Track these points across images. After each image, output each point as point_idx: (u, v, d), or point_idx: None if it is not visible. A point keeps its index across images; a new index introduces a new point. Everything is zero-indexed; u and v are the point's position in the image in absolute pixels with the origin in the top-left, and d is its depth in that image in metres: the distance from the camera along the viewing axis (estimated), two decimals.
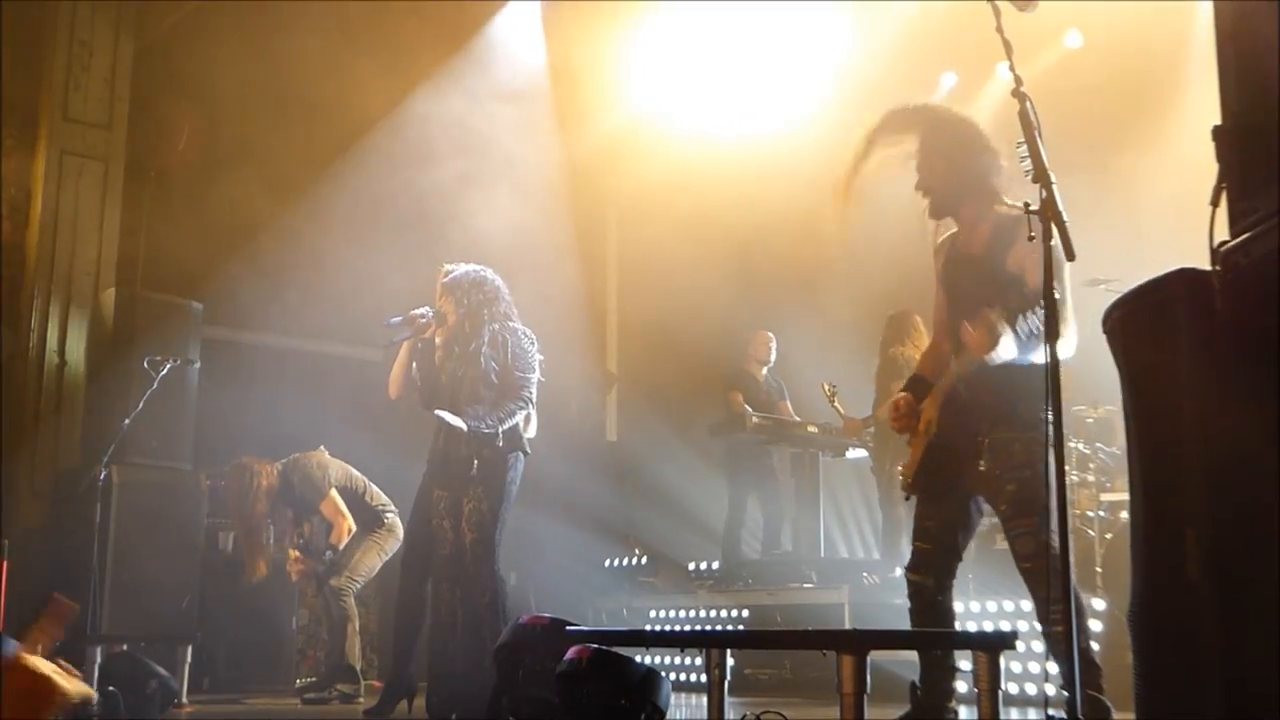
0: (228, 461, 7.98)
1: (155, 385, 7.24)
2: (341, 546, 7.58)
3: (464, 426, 5.78)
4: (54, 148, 9.18)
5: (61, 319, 8.99)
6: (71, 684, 2.03)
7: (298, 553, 7.76)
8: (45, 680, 1.99)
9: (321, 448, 7.86)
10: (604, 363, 12.12)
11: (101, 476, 7.17)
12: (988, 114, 9.12)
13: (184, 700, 7.18)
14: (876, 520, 8.48)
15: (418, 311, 6.16)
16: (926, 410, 4.27)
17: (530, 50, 9.87)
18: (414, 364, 6.24)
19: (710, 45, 9.15)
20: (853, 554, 10.61)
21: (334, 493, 7.63)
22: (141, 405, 7.18)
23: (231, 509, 7.84)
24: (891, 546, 8.28)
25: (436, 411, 5.91)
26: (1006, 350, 3.90)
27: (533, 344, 6.04)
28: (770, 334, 9.45)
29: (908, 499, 4.38)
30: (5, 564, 7.44)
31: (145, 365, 7.37)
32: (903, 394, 4.39)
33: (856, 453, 9.24)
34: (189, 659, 7.52)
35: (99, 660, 6.93)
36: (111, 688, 5.89)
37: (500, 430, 5.83)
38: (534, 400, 5.98)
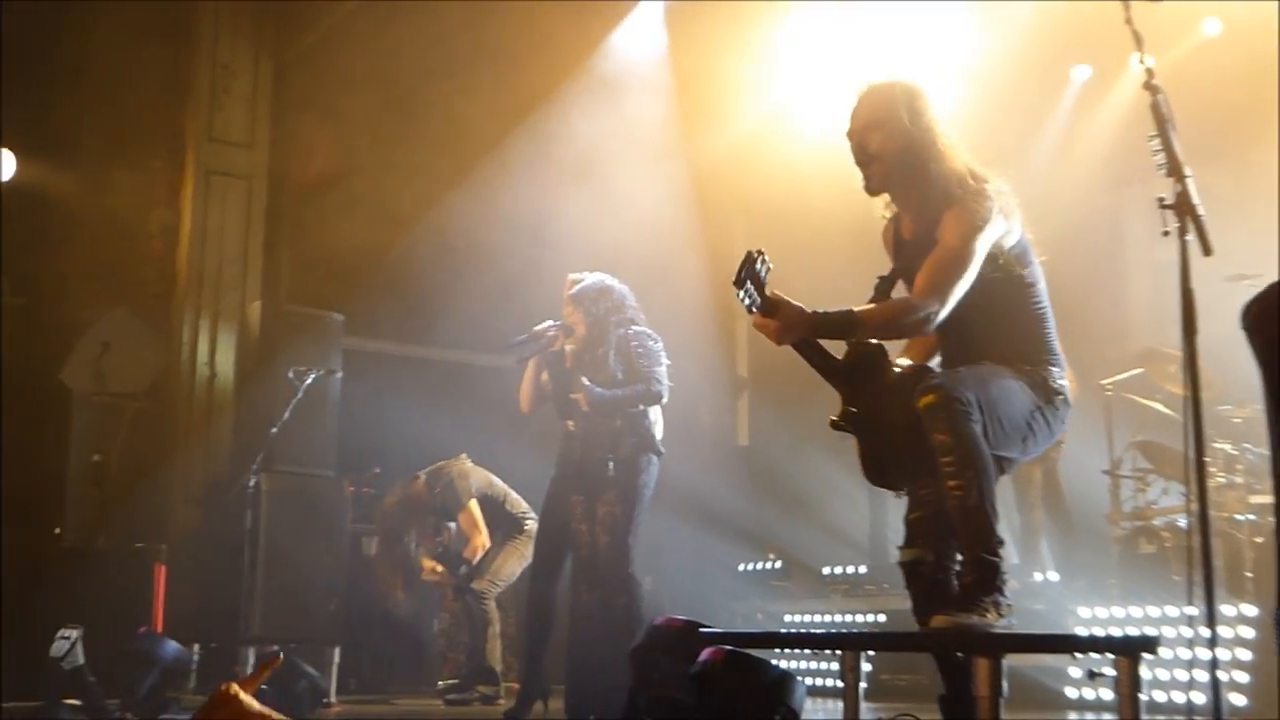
0: (369, 469, 8.16)
1: (300, 395, 7.42)
2: (475, 561, 7.67)
3: (604, 395, 5.85)
4: (200, 168, 9.53)
5: (211, 332, 9.32)
6: None
7: (433, 563, 7.88)
8: (252, 716, 2.05)
9: (464, 455, 7.96)
10: (734, 367, 12.14)
11: (251, 484, 7.39)
12: (1122, 106, 8.99)
13: (332, 700, 7.38)
14: (1014, 523, 8.34)
15: (542, 326, 6.24)
16: None
17: (654, 53, 9.92)
18: (544, 375, 6.34)
19: (838, 45, 9.09)
20: None
21: (473, 505, 7.70)
22: (287, 415, 7.37)
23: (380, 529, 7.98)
24: (1029, 550, 8.15)
25: (582, 379, 5.99)
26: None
27: (657, 344, 6.09)
28: None
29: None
30: (164, 569, 7.76)
31: (290, 376, 7.56)
32: None
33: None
34: (337, 660, 7.74)
35: (251, 660, 7.16)
36: (263, 686, 6.08)
37: (634, 423, 5.90)
38: (664, 394, 6.00)
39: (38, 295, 10.23)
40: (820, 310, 3.62)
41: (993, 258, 3.73)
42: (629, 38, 9.98)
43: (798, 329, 3.61)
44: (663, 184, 9.74)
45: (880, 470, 3.85)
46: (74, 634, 5.72)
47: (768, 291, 3.57)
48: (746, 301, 3.55)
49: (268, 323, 8.31)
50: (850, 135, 3.93)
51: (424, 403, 9.32)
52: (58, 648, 5.67)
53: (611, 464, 5.88)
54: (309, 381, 7.47)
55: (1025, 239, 3.84)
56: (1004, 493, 9.38)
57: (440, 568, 7.80)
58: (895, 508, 9.46)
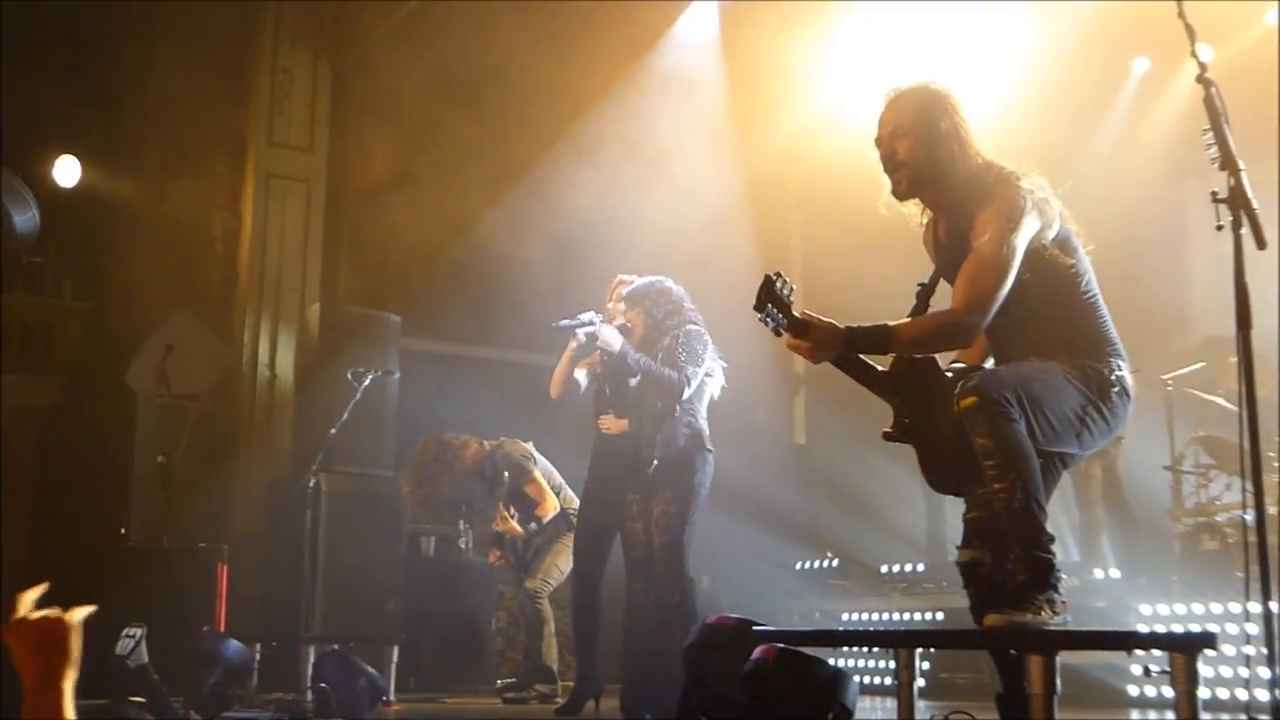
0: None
1: (358, 396, 7.46)
2: (546, 520, 7.59)
3: (640, 357, 5.92)
4: (261, 172, 9.67)
5: (271, 334, 9.46)
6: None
7: (508, 517, 7.72)
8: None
9: (531, 443, 7.93)
10: (790, 365, 12.11)
11: (311, 484, 7.44)
12: (1183, 98, 8.87)
13: (392, 698, 7.45)
14: (1074, 520, 8.27)
15: (586, 316, 6.30)
16: None
17: (709, 49, 9.93)
18: (588, 372, 6.49)
19: (893, 41, 9.05)
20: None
21: (538, 473, 7.66)
22: (346, 415, 7.41)
23: (413, 478, 7.78)
24: (1090, 547, 8.07)
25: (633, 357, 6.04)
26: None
27: (705, 346, 6.08)
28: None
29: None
30: (226, 568, 7.88)
31: (349, 377, 7.62)
32: None
33: None
34: (395, 659, 7.81)
35: (311, 659, 7.24)
36: (323, 684, 6.16)
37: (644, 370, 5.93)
38: (684, 389, 5.96)
39: (103, 299, 10.45)
40: (854, 326, 3.58)
41: (1035, 253, 3.67)
42: (684, 34, 10.00)
43: (831, 347, 3.57)
44: (718, 180, 9.75)
45: (940, 476, 3.81)
46: (138, 632, 5.83)
47: (796, 311, 3.53)
48: (770, 325, 3.52)
49: (326, 324, 8.39)
50: (878, 142, 3.89)
51: (481, 402, 9.37)
52: (123, 646, 5.77)
53: (657, 462, 5.90)
54: (367, 382, 7.50)
55: (1067, 230, 3.78)
56: (1064, 489, 9.33)
57: (509, 519, 7.69)
58: (953, 505, 9.39)
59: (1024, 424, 3.50)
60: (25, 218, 9.67)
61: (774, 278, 3.49)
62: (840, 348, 3.58)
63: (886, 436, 3.78)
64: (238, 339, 9.46)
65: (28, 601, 2.18)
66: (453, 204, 9.96)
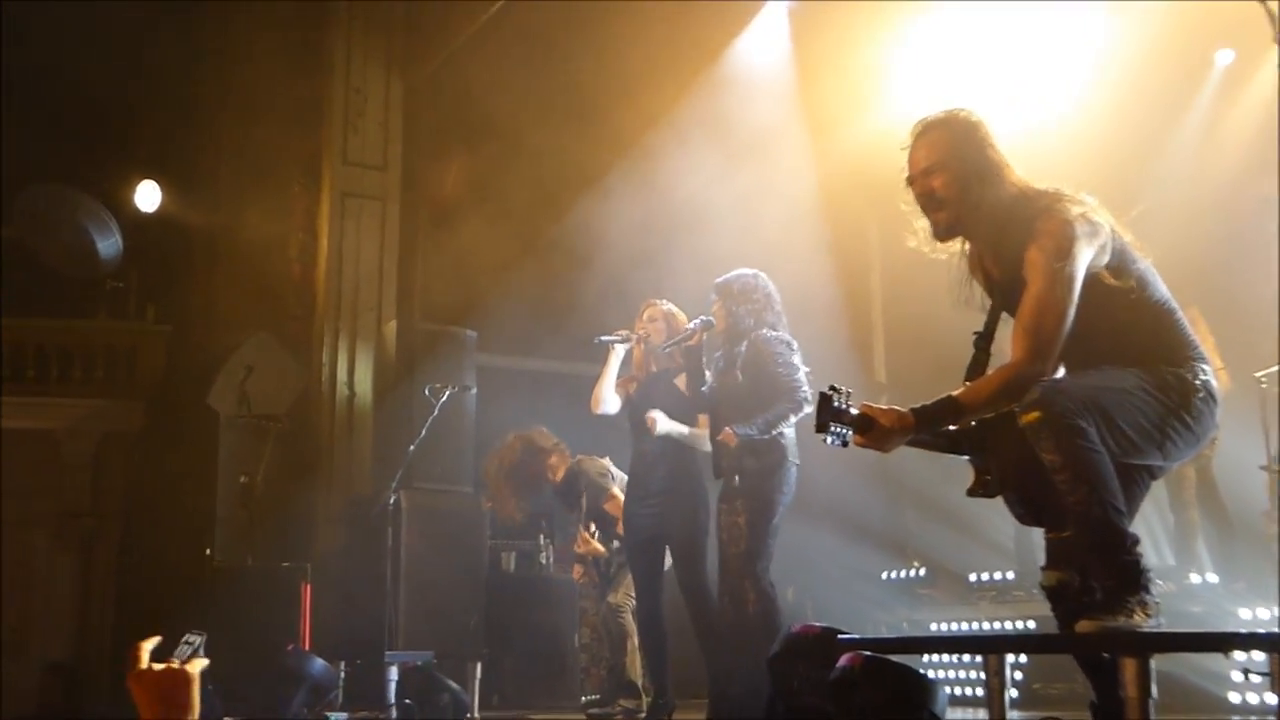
0: None
1: (436, 412, 7.51)
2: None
3: (749, 433, 5.87)
4: (336, 191, 9.82)
5: (349, 352, 9.58)
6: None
7: (589, 538, 7.77)
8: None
9: (608, 458, 7.96)
10: (873, 372, 12.03)
11: (391, 501, 7.50)
12: (1270, 89, 8.69)
13: (475, 715, 7.49)
14: (1167, 523, 8.12)
15: (692, 325, 6.32)
16: None
17: (779, 55, 9.91)
18: (620, 393, 6.61)
19: (966, 42, 8.98)
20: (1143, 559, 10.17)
21: (617, 490, 7.69)
22: (424, 432, 7.47)
23: (494, 477, 7.75)
24: (1184, 551, 7.92)
25: (655, 416, 6.18)
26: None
27: (795, 352, 6.07)
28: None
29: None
30: (309, 587, 7.98)
31: (426, 393, 7.68)
32: None
33: None
34: (479, 675, 7.85)
35: (395, 676, 7.30)
36: (408, 701, 6.21)
37: (769, 435, 5.90)
38: (808, 401, 5.96)
39: (184, 322, 10.65)
40: (919, 408, 3.53)
41: (1093, 278, 3.56)
42: (755, 39, 9.98)
43: (900, 435, 3.54)
44: (790, 188, 9.71)
45: (1031, 512, 3.74)
46: (197, 640, 5.90)
47: (855, 410, 3.52)
48: (836, 442, 3.51)
49: (403, 341, 8.51)
50: (910, 182, 3.77)
51: (558, 417, 9.41)
52: (180, 651, 5.86)
53: (738, 476, 5.90)
54: (444, 398, 7.56)
55: (1120, 242, 3.67)
56: (1157, 492, 9.16)
57: (591, 540, 7.72)
58: None
59: (1095, 432, 3.42)
60: (109, 243, 9.93)
61: (830, 394, 3.47)
62: (910, 435, 3.55)
63: (971, 494, 3.73)
64: (316, 358, 9.60)
65: (146, 651, 2.29)
66: (526, 217, 10.03)
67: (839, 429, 3.50)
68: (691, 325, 6.29)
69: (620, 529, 7.56)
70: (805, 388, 5.93)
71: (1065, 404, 3.42)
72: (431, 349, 8.47)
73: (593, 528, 7.75)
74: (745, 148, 9.42)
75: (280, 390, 9.46)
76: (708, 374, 6.19)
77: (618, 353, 6.59)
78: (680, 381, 6.48)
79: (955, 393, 3.55)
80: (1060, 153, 3.86)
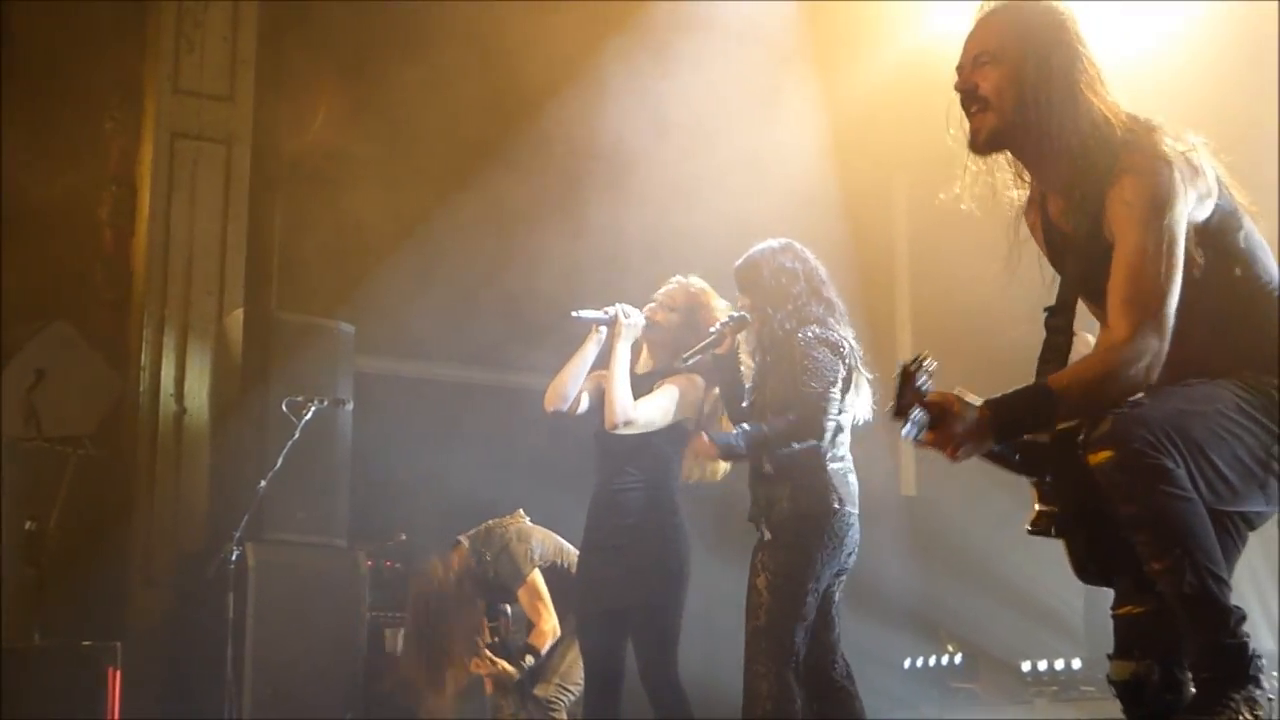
0: (392, 535, 8.17)
1: (297, 435, 7.47)
2: (544, 651, 7.64)
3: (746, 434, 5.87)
4: (163, 129, 9.68)
5: (179, 352, 9.46)
6: None
7: (487, 655, 7.85)
8: None
9: (520, 512, 7.95)
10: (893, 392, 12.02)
11: (234, 557, 7.43)
12: None
13: None
14: (1266, 595, 8.19)
15: (717, 326, 6.27)
16: None
17: None
18: (592, 391, 6.59)
19: None
20: None
21: (537, 575, 7.68)
22: (281, 462, 7.42)
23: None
24: None
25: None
26: None
27: (837, 354, 5.97)
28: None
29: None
30: (118, 674, 7.85)
31: (284, 409, 7.62)
32: None
33: None
34: None
35: None
36: None
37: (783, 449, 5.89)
38: (824, 429, 5.89)
39: None
40: (996, 399, 3.46)
41: (1186, 240, 3.53)
42: None
43: (976, 436, 3.43)
44: (796, 144, 9.69)
45: (1099, 570, 3.73)
46: None
47: (930, 397, 3.41)
48: (912, 433, 3.39)
49: (253, 337, 8.41)
50: (959, 70, 3.81)
51: (465, 442, 9.35)
52: None
53: (766, 531, 5.87)
54: (309, 416, 7.52)
55: (1229, 201, 3.66)
56: (1252, 555, 9.22)
57: (497, 661, 7.75)
58: None
59: (1184, 474, 3.39)
60: None
61: (912, 367, 3.37)
62: (988, 436, 3.44)
63: (1031, 531, 3.66)
64: (134, 359, 9.47)
65: None
66: (425, 175, 9.93)
67: (920, 418, 3.39)
68: (717, 326, 6.24)
69: (536, 638, 7.56)
70: (828, 409, 5.85)
71: (1145, 437, 3.39)
72: (293, 348, 8.40)
73: (501, 625, 7.77)
74: (724, 106, 9.39)
75: (83, 403, 9.33)
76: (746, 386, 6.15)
77: (597, 337, 6.56)
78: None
79: (1046, 380, 3.51)
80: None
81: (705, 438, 5.88)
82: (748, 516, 6.03)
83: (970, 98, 3.76)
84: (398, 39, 10.03)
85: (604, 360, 6.56)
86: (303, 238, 10.19)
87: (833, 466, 5.92)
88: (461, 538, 7.87)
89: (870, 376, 6.09)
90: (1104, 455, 3.41)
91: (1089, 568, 3.72)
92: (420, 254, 9.98)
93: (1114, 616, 3.75)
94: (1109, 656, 3.76)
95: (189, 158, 9.70)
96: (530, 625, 7.72)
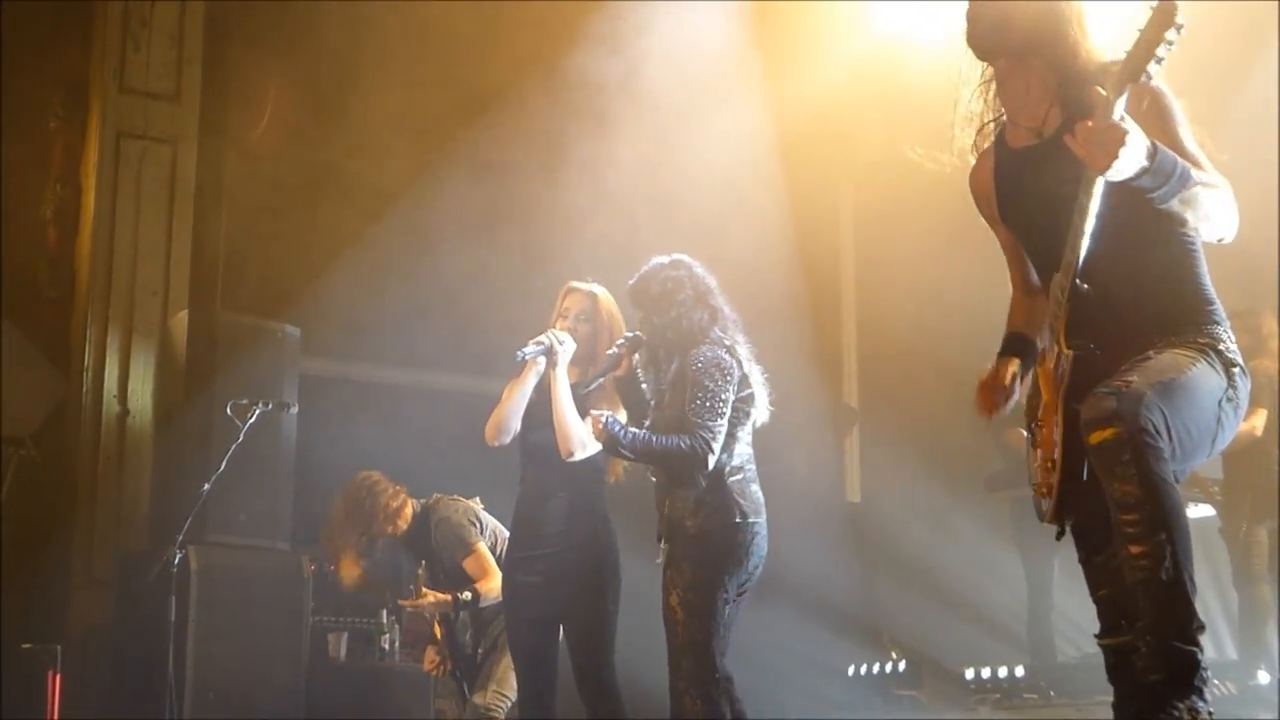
0: None
1: (241, 438, 7.45)
2: (488, 597, 7.51)
3: (639, 435, 5.88)
4: (108, 128, 9.63)
5: (122, 353, 9.40)
6: None
7: (427, 590, 7.68)
8: None
9: (478, 499, 7.89)
10: (840, 394, 12.06)
11: (176, 560, 7.41)
12: None
13: None
14: (1230, 603, 8.24)
15: (544, 340, 6.31)
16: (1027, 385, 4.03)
17: None
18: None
19: None
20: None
21: (483, 547, 7.63)
22: (225, 465, 7.40)
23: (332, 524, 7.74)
24: (1253, 641, 8.05)
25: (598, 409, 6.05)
26: None
27: (729, 374, 5.96)
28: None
29: (1060, 536, 3.92)
30: (58, 678, 7.80)
31: (229, 412, 7.60)
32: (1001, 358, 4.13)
33: (1199, 510, 8.95)
34: None
35: None
36: None
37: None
38: (709, 460, 5.84)
39: None
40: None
41: (1142, 202, 3.56)
42: None
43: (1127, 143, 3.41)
44: (736, 143, 9.70)
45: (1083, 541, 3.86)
46: None
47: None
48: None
49: (198, 338, 8.38)
50: None
51: (410, 445, 9.33)
52: None
53: (671, 548, 5.89)
54: (253, 419, 7.50)
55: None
56: (1217, 561, 9.30)
57: (429, 592, 7.60)
58: (1064, 586, 9.38)
59: (1168, 449, 3.44)
60: None
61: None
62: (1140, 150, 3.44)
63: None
64: (76, 359, 9.42)
65: None
66: (372, 177, 9.92)
67: None
68: (613, 350, 6.24)
69: (483, 586, 7.50)
70: (713, 438, 5.82)
71: (1148, 416, 3.42)
72: (238, 350, 8.37)
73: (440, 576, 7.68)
74: (673, 93, 9.40)
75: (25, 403, 9.28)
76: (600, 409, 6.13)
77: (536, 368, 6.49)
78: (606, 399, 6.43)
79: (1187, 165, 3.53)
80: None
81: (600, 422, 5.86)
82: (655, 535, 6.04)
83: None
84: (346, 39, 10.02)
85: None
86: (248, 239, 10.16)
87: (732, 480, 5.90)
88: (413, 500, 7.78)
89: (764, 377, 6.10)
90: (1108, 432, 3.44)
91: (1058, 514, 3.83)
92: (366, 257, 9.96)
93: (1095, 599, 3.85)
94: (1095, 637, 3.86)
95: (134, 157, 9.65)
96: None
